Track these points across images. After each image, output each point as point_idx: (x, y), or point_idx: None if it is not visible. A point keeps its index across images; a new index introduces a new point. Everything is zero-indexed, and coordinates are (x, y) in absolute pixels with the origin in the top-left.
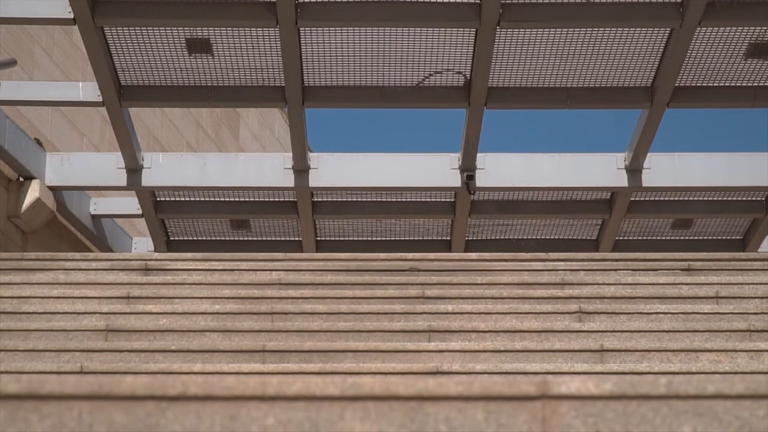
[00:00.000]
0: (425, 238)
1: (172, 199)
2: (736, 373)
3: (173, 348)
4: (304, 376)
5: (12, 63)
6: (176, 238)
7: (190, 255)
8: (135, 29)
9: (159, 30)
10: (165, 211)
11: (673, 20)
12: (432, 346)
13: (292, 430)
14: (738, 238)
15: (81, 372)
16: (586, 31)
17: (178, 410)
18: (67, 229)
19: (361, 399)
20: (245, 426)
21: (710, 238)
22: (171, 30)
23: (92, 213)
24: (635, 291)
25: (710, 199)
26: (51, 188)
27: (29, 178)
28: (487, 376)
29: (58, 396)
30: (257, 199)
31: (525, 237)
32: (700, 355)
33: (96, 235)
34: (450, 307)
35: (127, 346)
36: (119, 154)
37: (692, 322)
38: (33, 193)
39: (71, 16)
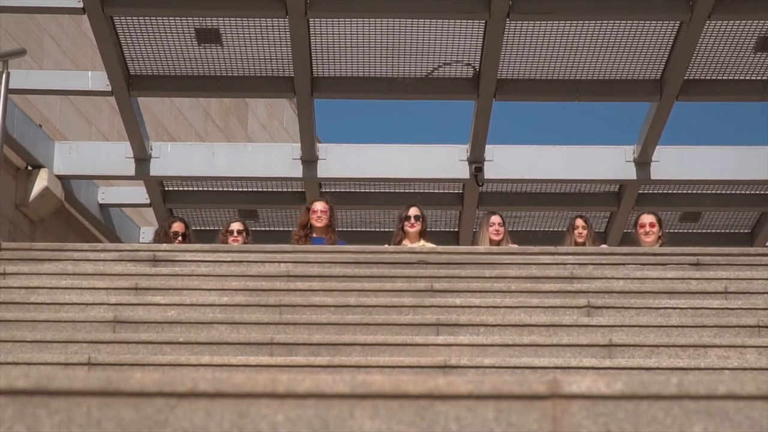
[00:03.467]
0: (433, 230)
1: (180, 188)
2: (744, 369)
3: (181, 340)
4: (312, 369)
5: (21, 53)
6: None
7: (198, 246)
8: (144, 19)
9: (168, 20)
10: (173, 201)
11: (683, 13)
12: (440, 339)
13: (302, 427)
14: (746, 231)
15: (89, 363)
16: (595, 23)
17: (188, 407)
18: (75, 218)
19: (371, 397)
20: (255, 423)
21: (718, 231)
22: (180, 20)
23: (100, 202)
24: (644, 285)
25: (718, 192)
26: (59, 177)
27: (38, 166)
28: (497, 374)
29: (66, 392)
30: (265, 189)
31: (533, 229)
32: (708, 351)
33: (104, 224)
34: (458, 301)
35: (135, 338)
36: (127, 143)
37: (701, 317)
38: (41, 181)
39: (81, 5)
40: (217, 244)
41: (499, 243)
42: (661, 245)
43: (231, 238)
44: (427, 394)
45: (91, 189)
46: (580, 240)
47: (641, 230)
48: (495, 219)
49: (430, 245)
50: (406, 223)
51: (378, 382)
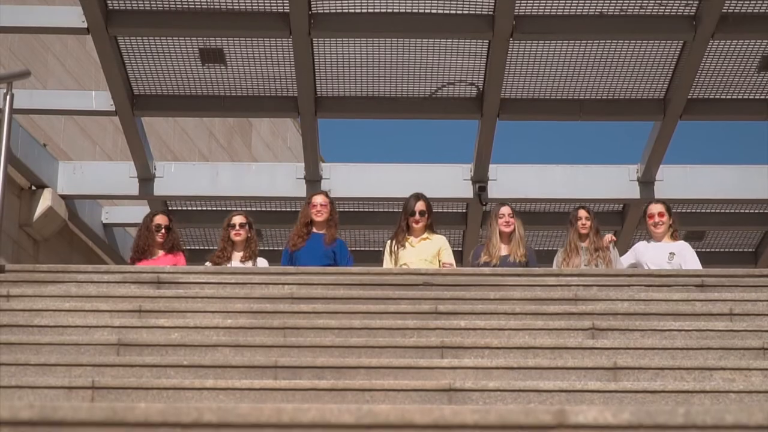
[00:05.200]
0: None
1: (184, 208)
2: (750, 392)
3: (185, 363)
4: (316, 393)
5: (25, 74)
6: (188, 248)
7: (202, 268)
8: (148, 39)
9: (172, 39)
10: (177, 220)
11: (686, 33)
12: (445, 362)
13: None
14: (750, 250)
15: (92, 387)
16: (599, 43)
17: None
18: (78, 237)
19: (377, 427)
20: None
21: (722, 250)
22: (184, 40)
23: (104, 222)
24: (648, 307)
25: (722, 211)
26: (63, 197)
27: (41, 186)
28: (501, 397)
29: (71, 422)
30: (269, 209)
31: (537, 249)
32: (714, 374)
33: (107, 244)
34: (463, 323)
35: (138, 361)
36: (131, 163)
37: (706, 339)
38: (45, 201)
39: (85, 25)
40: (220, 264)
41: (509, 235)
42: (672, 233)
43: (233, 232)
44: (433, 425)
45: (95, 209)
46: (583, 231)
47: (650, 221)
48: (505, 210)
49: (437, 237)
50: (411, 219)
51: (384, 412)
